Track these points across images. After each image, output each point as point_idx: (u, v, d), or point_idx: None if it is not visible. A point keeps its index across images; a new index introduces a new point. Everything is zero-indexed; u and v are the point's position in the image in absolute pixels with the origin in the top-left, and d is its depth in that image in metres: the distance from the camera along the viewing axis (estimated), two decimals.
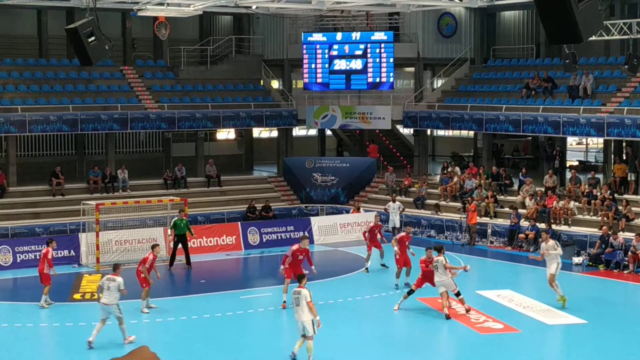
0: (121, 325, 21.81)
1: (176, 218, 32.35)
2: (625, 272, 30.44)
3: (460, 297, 24.61)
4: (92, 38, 21.47)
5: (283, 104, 46.03)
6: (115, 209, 34.59)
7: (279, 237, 35.96)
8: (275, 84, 48.51)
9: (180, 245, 32.07)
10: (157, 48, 47.10)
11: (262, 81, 47.62)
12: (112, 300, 21.81)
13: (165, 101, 42.96)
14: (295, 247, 25.91)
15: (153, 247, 26.41)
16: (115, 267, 22.92)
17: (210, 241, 34.44)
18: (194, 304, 26.15)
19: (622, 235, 31.63)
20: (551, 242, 26.45)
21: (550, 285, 25.67)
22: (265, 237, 35.59)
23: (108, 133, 41.41)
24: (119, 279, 21.94)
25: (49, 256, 26.01)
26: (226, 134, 50.33)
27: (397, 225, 36.36)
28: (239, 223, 36.41)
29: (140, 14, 37.22)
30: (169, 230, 32.53)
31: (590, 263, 31.85)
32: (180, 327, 23.79)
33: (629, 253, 30.67)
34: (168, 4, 35.65)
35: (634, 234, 31.04)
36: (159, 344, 21.10)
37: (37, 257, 30.34)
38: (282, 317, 25.17)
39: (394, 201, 37.74)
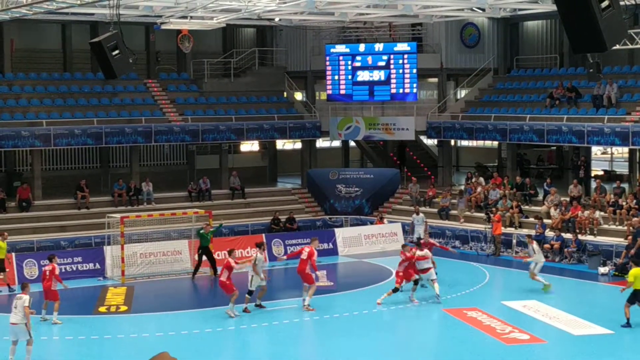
0: (28, 346, 20.99)
1: (202, 230, 32.46)
2: None
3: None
4: (116, 51, 21.57)
5: (306, 115, 46.08)
6: (140, 222, 34.66)
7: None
8: (298, 95, 48.58)
9: (205, 257, 32.26)
10: (180, 61, 47.27)
11: (285, 93, 47.71)
12: (19, 320, 20.90)
13: (189, 114, 43.09)
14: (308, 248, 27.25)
15: (230, 252, 27.07)
16: (24, 287, 22.26)
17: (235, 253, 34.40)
18: (220, 316, 26.13)
19: None
20: (532, 246, 29.05)
21: (532, 278, 28.52)
22: (289, 248, 35.56)
23: (132, 146, 41.59)
24: (26, 297, 21.09)
25: (56, 272, 25.86)
26: (250, 146, 50.41)
27: (422, 236, 36.25)
28: (264, 235, 36.40)
29: (163, 27, 37.41)
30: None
31: (617, 273, 31.62)
32: (208, 338, 23.78)
33: None
34: (191, 17, 35.80)
35: None
36: (181, 356, 21.10)
37: (64, 270, 30.53)
38: (307, 329, 25.17)
39: (417, 213, 37.66)
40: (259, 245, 27.50)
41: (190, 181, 43.05)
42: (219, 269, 28.04)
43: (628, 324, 24.40)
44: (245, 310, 26.12)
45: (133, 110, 42.32)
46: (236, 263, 26.32)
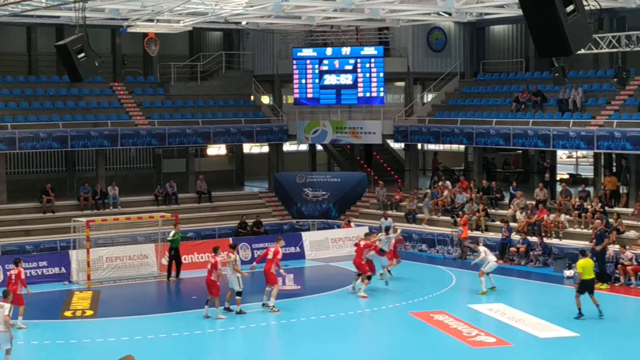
0: (7, 355, 20.66)
1: (173, 232, 32.45)
2: (616, 284, 30.45)
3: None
4: (82, 54, 21.45)
5: (273, 119, 46.05)
6: (106, 226, 34.52)
7: None
8: (265, 99, 48.53)
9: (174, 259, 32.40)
10: (147, 64, 47.12)
11: (252, 97, 47.65)
12: (2, 328, 20.44)
13: (156, 117, 42.92)
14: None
15: (215, 250, 26.79)
16: (5, 294, 22.12)
17: (202, 257, 34.31)
18: (187, 320, 26.03)
19: (612, 248, 31.62)
20: (479, 248, 30.25)
21: (480, 277, 29.21)
22: (256, 252, 35.45)
23: (98, 150, 41.36)
24: (7, 306, 20.80)
25: (22, 276, 25.66)
26: (217, 149, 50.31)
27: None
28: (230, 239, 36.33)
29: (130, 30, 37.24)
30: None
31: None
32: (174, 343, 23.69)
33: (619, 265, 30.70)
34: (158, 21, 35.65)
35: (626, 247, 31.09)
36: (151, 359, 21.05)
37: (29, 275, 30.30)
38: (277, 333, 25.14)
39: (385, 217, 37.72)
40: (233, 247, 27.64)
41: (156, 185, 42.86)
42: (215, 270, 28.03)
43: (580, 315, 25.22)
44: (240, 312, 26.26)
45: (99, 113, 42.12)
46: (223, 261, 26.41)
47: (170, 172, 44.45)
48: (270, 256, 27.25)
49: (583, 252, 26.79)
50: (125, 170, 45.78)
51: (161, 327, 25.15)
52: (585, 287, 25.60)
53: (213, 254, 26.58)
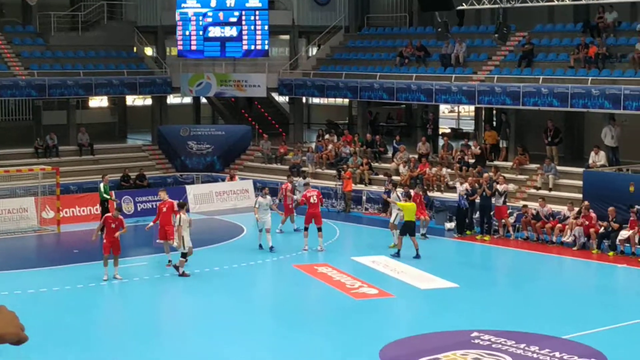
0: None
1: (102, 183, 32.10)
2: (495, 236, 31.10)
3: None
4: None
5: (157, 71, 45.47)
6: None
7: (154, 206, 35.43)
8: (148, 51, 47.86)
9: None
10: (26, 13, 45.82)
11: (135, 48, 46.92)
12: None
13: (35, 68, 41.91)
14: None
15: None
16: None
17: (83, 210, 33.86)
18: (67, 273, 25.70)
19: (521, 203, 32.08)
20: (396, 194, 29.98)
21: (391, 230, 29.17)
22: (139, 205, 35.21)
23: None
24: None
25: None
26: (99, 101, 49.51)
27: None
28: (113, 192, 35.85)
29: None
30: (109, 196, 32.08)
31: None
32: (52, 298, 23.37)
33: (523, 219, 31.05)
34: None
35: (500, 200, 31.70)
36: (28, 314, 20.68)
37: None
38: (159, 286, 25.02)
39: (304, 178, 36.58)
40: (181, 206, 26.12)
41: (36, 137, 41.95)
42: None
43: (397, 254, 27.48)
44: (184, 274, 25.20)
45: None
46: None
47: (51, 125, 43.52)
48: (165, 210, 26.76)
49: (409, 195, 29.00)
50: (3, 122, 44.71)
51: (42, 281, 24.75)
52: (406, 228, 27.50)
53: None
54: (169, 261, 26.24)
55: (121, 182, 38.72)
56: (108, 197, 32.08)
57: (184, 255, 25.15)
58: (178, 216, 25.42)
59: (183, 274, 25.09)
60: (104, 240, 24.69)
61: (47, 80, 41.06)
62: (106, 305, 23.64)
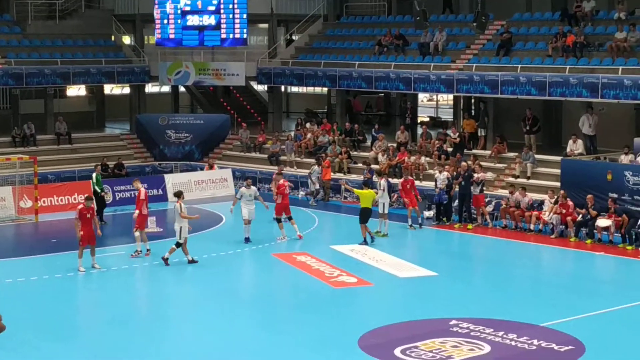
0: None
1: (94, 173, 32.24)
2: (473, 224, 31.16)
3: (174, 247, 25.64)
4: None
5: (135, 60, 45.31)
6: None
7: (132, 195, 35.35)
8: (126, 39, 47.66)
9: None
10: (2, 2, 45.51)
11: (113, 37, 46.72)
12: None
13: (12, 57, 41.66)
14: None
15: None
16: None
17: (62, 200, 33.73)
18: (45, 263, 25.60)
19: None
20: (380, 182, 30.07)
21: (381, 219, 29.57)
22: (118, 195, 35.10)
23: None
24: None
25: None
26: (77, 90, 49.27)
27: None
28: (91, 181, 35.76)
29: None
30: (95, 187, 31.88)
31: (441, 217, 32.50)
32: (31, 287, 23.28)
33: (501, 207, 31.14)
34: None
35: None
36: (5, 304, 20.62)
37: None
38: (135, 275, 24.97)
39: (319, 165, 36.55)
40: (178, 195, 26.00)
41: (14, 126, 41.78)
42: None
43: (365, 242, 27.88)
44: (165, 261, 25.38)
45: None
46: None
47: (28, 113, 43.34)
48: (143, 197, 26.83)
49: (366, 183, 29.51)
50: None
51: (20, 271, 24.64)
52: (363, 215, 28.00)
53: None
54: (148, 250, 26.27)
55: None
56: (101, 189, 31.87)
57: (178, 244, 25.35)
58: (179, 204, 25.43)
59: (165, 260, 25.25)
60: (81, 232, 24.55)
61: (25, 69, 40.83)
62: (85, 295, 23.55)
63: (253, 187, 29.16)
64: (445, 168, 32.63)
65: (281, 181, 29.65)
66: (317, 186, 35.47)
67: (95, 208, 30.43)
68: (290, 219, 28.87)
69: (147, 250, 26.34)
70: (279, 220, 28.68)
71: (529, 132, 35.60)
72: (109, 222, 31.98)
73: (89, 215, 24.71)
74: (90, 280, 24.26)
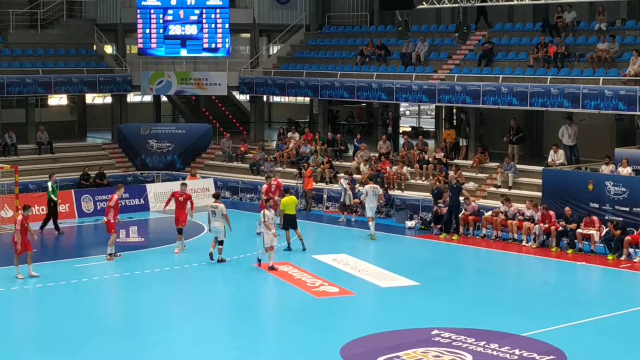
0: None
1: (50, 182, 32.15)
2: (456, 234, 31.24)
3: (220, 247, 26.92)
4: None
5: (117, 69, 45.24)
6: None
7: None
8: (108, 49, 47.58)
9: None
10: None
11: (95, 46, 46.63)
12: None
13: None
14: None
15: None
16: None
17: (43, 209, 33.59)
18: (25, 272, 25.47)
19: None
20: (366, 187, 31.33)
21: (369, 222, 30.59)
22: (99, 204, 34.98)
23: None
24: None
25: None
26: (58, 99, 49.16)
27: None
28: (72, 191, 35.69)
29: None
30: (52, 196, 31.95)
31: (423, 227, 32.59)
32: (13, 296, 23.17)
33: (460, 215, 31.37)
34: None
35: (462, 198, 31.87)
36: None
37: None
38: (117, 285, 24.90)
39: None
40: (216, 197, 28.19)
41: None
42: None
43: (289, 248, 28.55)
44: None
45: None
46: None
47: (9, 123, 43.18)
48: (112, 204, 27.21)
49: (287, 190, 29.91)
50: None
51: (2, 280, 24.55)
52: (287, 221, 28.72)
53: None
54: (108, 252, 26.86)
55: (81, 181, 38.51)
56: (56, 198, 31.92)
57: (221, 242, 26.93)
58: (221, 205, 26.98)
59: (220, 261, 26.84)
60: (20, 239, 24.68)
61: (6, 78, 40.70)
62: (66, 305, 23.43)
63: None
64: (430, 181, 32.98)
65: (265, 186, 30.26)
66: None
67: (51, 218, 31.56)
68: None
69: (108, 254, 27.00)
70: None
71: (512, 142, 35.72)
72: (90, 232, 31.88)
73: (26, 225, 24.98)
74: (70, 290, 24.14)
